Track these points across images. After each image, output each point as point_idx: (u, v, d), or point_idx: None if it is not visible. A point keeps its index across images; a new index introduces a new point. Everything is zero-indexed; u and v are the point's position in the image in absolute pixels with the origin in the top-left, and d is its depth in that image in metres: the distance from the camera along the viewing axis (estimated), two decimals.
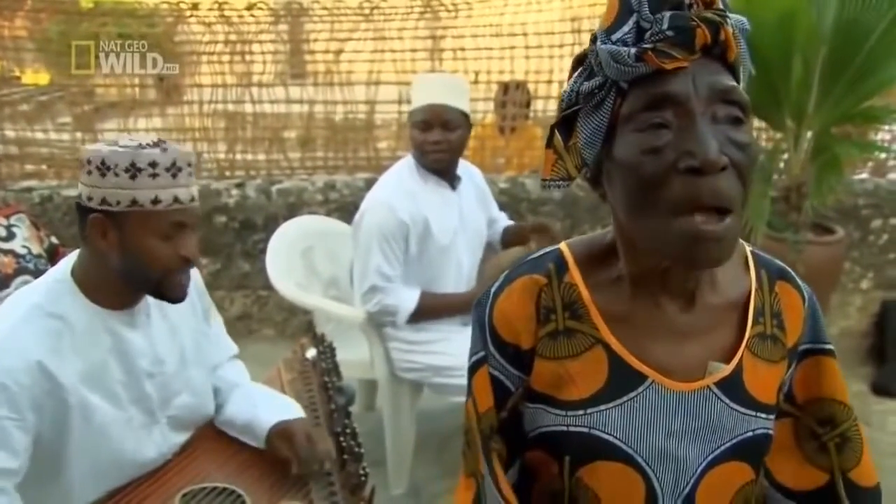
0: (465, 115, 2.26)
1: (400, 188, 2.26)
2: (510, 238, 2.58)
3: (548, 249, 0.85)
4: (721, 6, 0.70)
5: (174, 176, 1.23)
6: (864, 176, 3.76)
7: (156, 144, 1.24)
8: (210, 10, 3.75)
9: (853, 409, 0.87)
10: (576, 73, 0.76)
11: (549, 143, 0.79)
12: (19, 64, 4.02)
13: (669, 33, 0.67)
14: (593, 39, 0.72)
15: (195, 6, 3.77)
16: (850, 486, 0.86)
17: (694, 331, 0.79)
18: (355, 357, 2.36)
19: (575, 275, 0.81)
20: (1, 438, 1.15)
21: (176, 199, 1.24)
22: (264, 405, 1.48)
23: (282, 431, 1.43)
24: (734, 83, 0.70)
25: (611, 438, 0.78)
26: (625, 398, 0.78)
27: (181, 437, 1.43)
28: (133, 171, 1.20)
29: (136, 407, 1.31)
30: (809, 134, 3.04)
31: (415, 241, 2.24)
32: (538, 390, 0.81)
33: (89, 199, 1.23)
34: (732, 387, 0.79)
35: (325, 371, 1.72)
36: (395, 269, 2.23)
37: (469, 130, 2.33)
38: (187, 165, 1.26)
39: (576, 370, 0.79)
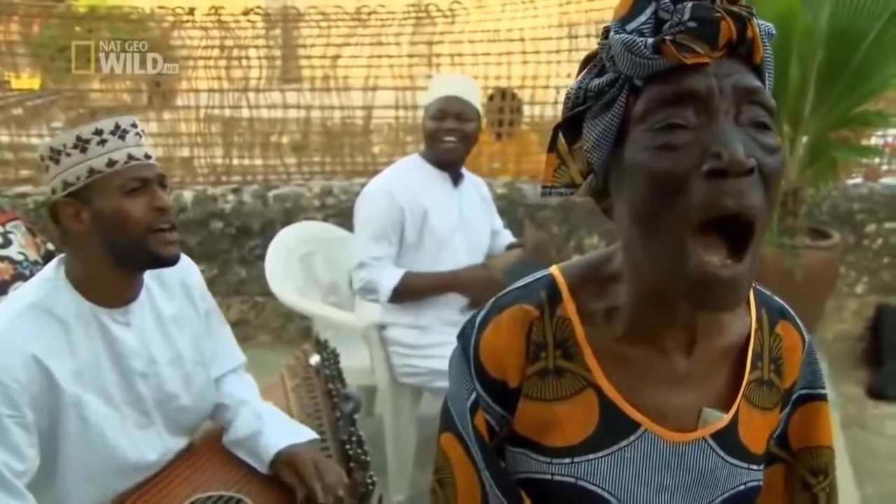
0: (477, 112, 2.32)
1: (402, 177, 2.31)
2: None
3: (538, 275, 0.77)
4: (746, 4, 0.63)
5: (122, 138, 1.26)
6: (858, 180, 3.78)
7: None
8: (207, 15, 3.75)
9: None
10: (584, 71, 0.70)
11: (552, 147, 0.72)
12: (14, 69, 3.99)
13: (691, 24, 0.60)
14: (605, 34, 0.66)
15: (191, 11, 3.76)
16: None
17: (691, 375, 0.73)
18: (355, 363, 2.35)
19: (569, 307, 0.74)
20: (4, 437, 1.14)
21: (130, 157, 1.26)
22: (271, 427, 1.43)
23: (288, 459, 1.37)
24: (760, 84, 0.64)
25: (599, 490, 0.72)
26: (615, 447, 0.72)
27: (180, 441, 1.42)
28: (81, 144, 1.24)
29: (130, 407, 1.31)
30: (805, 139, 3.06)
31: (411, 228, 2.26)
32: (521, 434, 0.75)
33: (53, 191, 1.26)
34: (728, 438, 0.74)
35: (329, 378, 1.71)
36: (386, 250, 2.26)
37: (480, 128, 2.37)
38: (132, 126, 1.29)
39: (563, 414, 0.72)
